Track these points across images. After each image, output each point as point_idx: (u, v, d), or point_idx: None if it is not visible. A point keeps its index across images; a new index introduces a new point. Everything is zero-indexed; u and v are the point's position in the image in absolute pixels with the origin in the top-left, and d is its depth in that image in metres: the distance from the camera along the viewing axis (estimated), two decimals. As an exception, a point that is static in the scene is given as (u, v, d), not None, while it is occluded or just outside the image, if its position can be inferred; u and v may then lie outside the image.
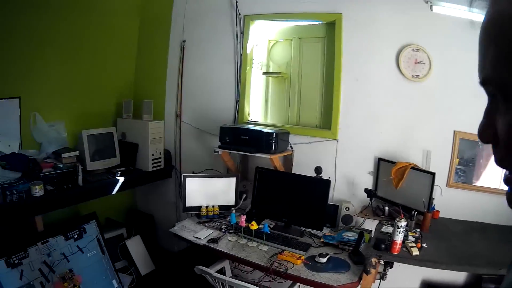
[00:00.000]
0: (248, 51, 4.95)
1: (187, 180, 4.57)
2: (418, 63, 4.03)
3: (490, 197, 3.91)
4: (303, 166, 4.57)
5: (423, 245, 3.35)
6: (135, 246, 4.99)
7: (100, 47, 5.21)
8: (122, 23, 5.51)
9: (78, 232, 4.30)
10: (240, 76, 5.00)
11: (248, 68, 4.99)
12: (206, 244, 3.86)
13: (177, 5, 5.41)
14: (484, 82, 0.70)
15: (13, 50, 4.23)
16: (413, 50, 4.04)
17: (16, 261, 3.72)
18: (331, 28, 4.48)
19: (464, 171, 4.07)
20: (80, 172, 4.30)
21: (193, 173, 5.05)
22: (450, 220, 3.99)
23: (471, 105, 3.52)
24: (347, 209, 4.31)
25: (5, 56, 4.14)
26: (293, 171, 4.66)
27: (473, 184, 4.05)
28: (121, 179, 4.73)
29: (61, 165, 4.33)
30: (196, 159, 5.38)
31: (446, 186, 4.06)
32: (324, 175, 4.34)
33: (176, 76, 5.44)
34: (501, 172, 0.81)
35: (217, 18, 5.11)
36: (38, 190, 3.87)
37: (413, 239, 3.45)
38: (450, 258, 3.19)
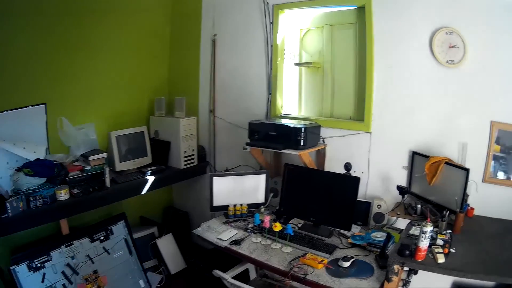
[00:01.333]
0: (279, 41, 4.64)
1: (214, 179, 4.31)
2: (452, 47, 3.61)
3: None
4: (336, 161, 4.29)
5: (451, 250, 2.95)
6: (166, 245, 4.87)
7: (131, 46, 5.09)
8: (153, 20, 5.36)
9: (104, 234, 4.27)
10: (271, 68, 4.69)
11: (279, 59, 4.68)
12: (228, 246, 3.64)
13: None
14: None
15: (38, 57, 4.19)
16: (446, 33, 3.62)
17: (38, 265, 3.76)
18: (361, 13, 4.11)
19: (506, 158, 3.61)
20: (107, 173, 4.21)
21: (227, 169, 4.86)
22: (486, 218, 3.56)
23: (507, 93, 3.48)
24: (379, 206, 3.97)
25: (30, 64, 4.12)
26: (326, 167, 4.37)
27: (499, 177, 3.62)
28: (151, 179, 4.56)
29: (88, 168, 4.25)
30: (230, 155, 5.14)
31: (482, 181, 3.64)
32: (357, 170, 4.09)
33: (209, 71, 5.21)
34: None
35: (246, 9, 4.82)
36: (63, 194, 3.83)
37: (441, 242, 3.05)
38: (477, 265, 2.76)
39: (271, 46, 4.65)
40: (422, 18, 3.73)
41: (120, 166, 4.57)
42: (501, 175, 3.61)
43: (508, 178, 3.58)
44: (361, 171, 4.16)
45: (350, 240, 3.65)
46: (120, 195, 4.43)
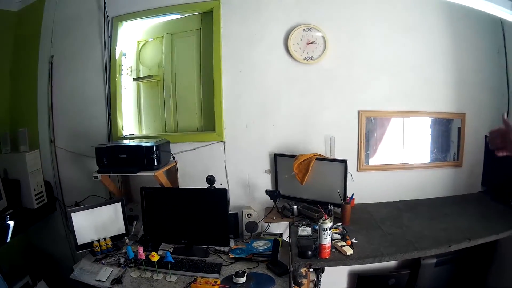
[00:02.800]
0: (117, 56, 4.07)
1: (73, 215, 3.52)
2: (311, 43, 3.53)
3: (405, 173, 3.70)
4: (190, 177, 3.93)
5: (353, 241, 2.79)
6: (44, 294, 3.93)
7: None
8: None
9: (-11, 294, 3.37)
10: (109, 87, 4.09)
11: (117, 76, 4.10)
12: (111, 287, 2.97)
13: (46, 18, 4.29)
14: None
15: None
16: (304, 30, 3.53)
17: None
18: (207, 18, 3.82)
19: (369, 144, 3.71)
20: (-31, 226, 3.30)
21: (76, 203, 4.07)
22: (369, 205, 3.56)
23: (374, 81, 3.56)
24: (249, 215, 3.65)
25: None
26: (180, 184, 3.95)
27: (373, 163, 3.72)
28: (12, 223, 3.69)
29: None
30: (77, 187, 4.33)
31: (357, 170, 3.66)
32: (216, 182, 3.62)
33: (46, 97, 4.35)
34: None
35: (84, 25, 4.14)
36: None
37: (339, 236, 2.86)
38: (388, 248, 2.69)
39: (109, 62, 4.07)
40: (276, 17, 3.61)
41: (-21, 213, 3.63)
42: (372, 161, 3.67)
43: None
44: (219, 183, 3.81)
45: (231, 255, 3.22)
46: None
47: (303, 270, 2.56)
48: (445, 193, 3.69)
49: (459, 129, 3.65)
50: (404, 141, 3.65)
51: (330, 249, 2.60)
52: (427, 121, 3.65)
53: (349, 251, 2.59)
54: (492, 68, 3.63)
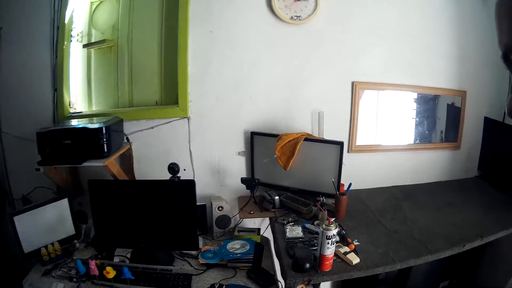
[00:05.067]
0: (66, 20, 3.31)
1: (16, 219, 2.73)
2: (298, 0, 2.87)
3: (399, 155, 3.27)
4: (147, 163, 3.18)
5: (356, 243, 2.24)
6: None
7: None
8: None
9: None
10: (56, 56, 3.31)
11: (66, 43, 3.33)
12: None
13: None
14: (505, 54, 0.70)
15: None
16: None
17: None
18: None
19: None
20: None
21: (23, 196, 3.27)
22: (362, 191, 3.05)
23: (370, 49, 3.05)
24: (220, 208, 2.93)
25: None
26: (136, 171, 3.16)
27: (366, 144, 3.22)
28: None
29: None
30: (26, 177, 3.46)
31: (348, 151, 3.13)
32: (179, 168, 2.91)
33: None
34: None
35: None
36: None
37: (337, 238, 2.17)
38: (400, 251, 2.19)
39: (58, 27, 3.30)
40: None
41: None
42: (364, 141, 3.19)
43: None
44: (183, 168, 3.08)
45: (201, 260, 2.52)
46: None
47: (299, 287, 2.02)
48: (441, 177, 3.33)
49: (448, 105, 3.22)
50: (395, 120, 3.22)
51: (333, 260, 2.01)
52: (413, 95, 3.20)
53: (355, 259, 2.04)
54: (495, 47, 3.10)
